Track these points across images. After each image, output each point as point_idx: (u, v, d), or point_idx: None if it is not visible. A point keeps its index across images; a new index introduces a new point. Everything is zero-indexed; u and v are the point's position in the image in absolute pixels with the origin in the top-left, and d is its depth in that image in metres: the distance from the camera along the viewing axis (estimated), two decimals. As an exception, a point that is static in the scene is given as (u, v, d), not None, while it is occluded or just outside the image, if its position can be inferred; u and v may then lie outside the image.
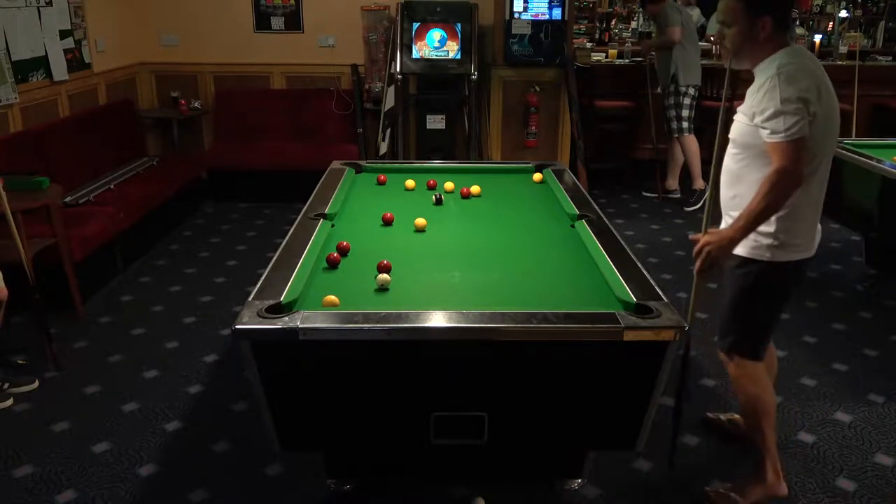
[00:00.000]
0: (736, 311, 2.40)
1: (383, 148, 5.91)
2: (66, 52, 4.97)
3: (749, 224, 2.16)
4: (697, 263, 2.26)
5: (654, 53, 5.86)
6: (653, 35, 5.57)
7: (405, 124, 6.08)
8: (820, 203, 2.32)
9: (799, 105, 2.08)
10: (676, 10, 5.57)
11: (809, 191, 2.23)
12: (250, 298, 2.02)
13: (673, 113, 5.68)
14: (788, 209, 2.19)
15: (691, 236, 2.43)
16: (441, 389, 2.01)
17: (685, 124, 5.73)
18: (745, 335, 2.40)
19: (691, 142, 5.77)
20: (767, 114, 2.11)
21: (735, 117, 2.31)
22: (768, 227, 2.23)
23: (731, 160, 2.35)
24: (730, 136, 2.33)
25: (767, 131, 2.12)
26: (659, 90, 5.86)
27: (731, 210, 2.35)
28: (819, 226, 2.37)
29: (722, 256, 2.24)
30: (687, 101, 5.66)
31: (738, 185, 2.31)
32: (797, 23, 7.28)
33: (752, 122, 2.18)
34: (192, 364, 3.41)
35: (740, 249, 2.30)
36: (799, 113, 2.07)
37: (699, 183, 5.79)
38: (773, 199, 2.11)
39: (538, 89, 5.91)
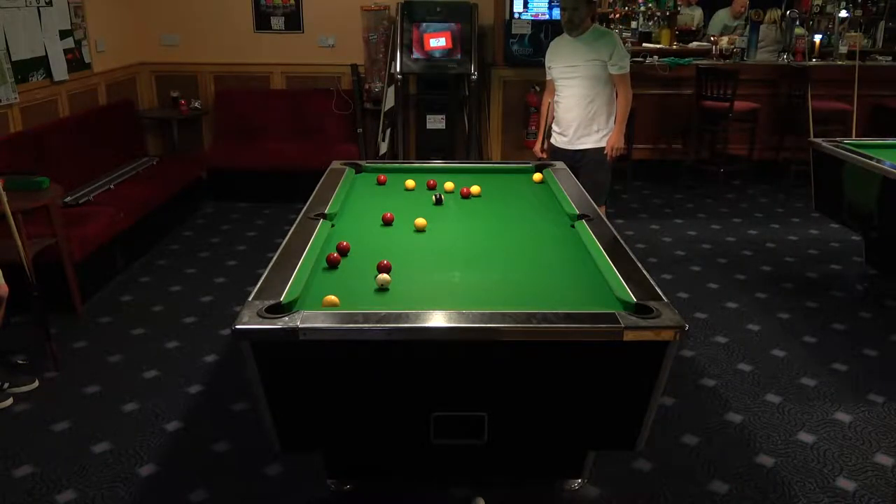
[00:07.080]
0: (608, 179, 4.18)
1: (383, 148, 5.91)
2: (66, 52, 4.98)
3: (624, 125, 4.02)
4: (612, 154, 4.07)
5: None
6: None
7: (405, 124, 6.08)
8: None
9: (628, 56, 3.99)
10: None
11: None
12: (250, 298, 2.01)
13: None
14: (613, 114, 4.06)
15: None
16: (441, 389, 2.01)
17: None
18: (608, 191, 4.25)
19: None
20: (619, 57, 3.92)
21: (578, 66, 3.96)
22: (608, 125, 4.06)
23: (584, 90, 3.99)
24: (580, 76, 3.97)
25: (619, 68, 3.92)
26: None
27: (596, 117, 4.04)
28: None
29: (619, 147, 4.05)
30: None
31: (594, 101, 4.02)
32: (797, 23, 7.25)
33: (607, 62, 3.90)
34: (192, 364, 3.41)
35: (600, 143, 4.05)
36: (629, 59, 4.01)
37: None
38: (629, 108, 4.02)
39: (538, 89, 5.91)
